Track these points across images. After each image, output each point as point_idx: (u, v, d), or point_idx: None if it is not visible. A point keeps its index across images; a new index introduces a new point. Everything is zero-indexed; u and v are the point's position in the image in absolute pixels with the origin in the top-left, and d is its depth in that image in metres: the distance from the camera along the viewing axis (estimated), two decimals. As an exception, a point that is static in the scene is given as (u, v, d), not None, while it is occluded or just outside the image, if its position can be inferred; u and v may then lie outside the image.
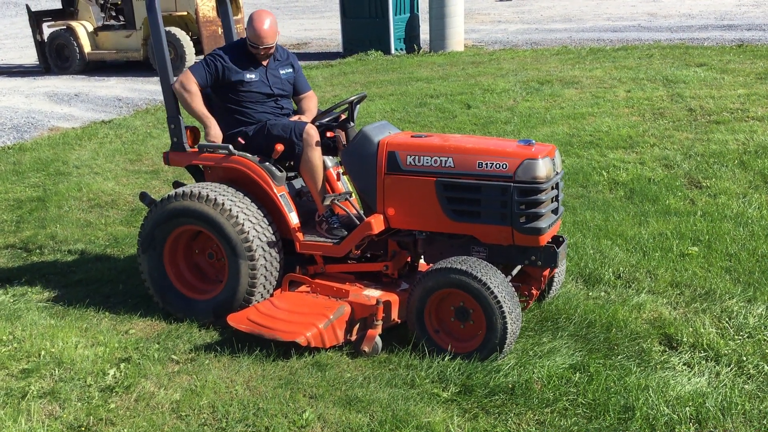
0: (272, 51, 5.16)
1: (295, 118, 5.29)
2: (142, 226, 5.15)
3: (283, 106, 5.30)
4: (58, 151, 9.95)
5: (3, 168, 9.33)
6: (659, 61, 12.11)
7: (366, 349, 4.50)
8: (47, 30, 17.00)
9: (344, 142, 5.02)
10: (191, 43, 15.42)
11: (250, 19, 5.05)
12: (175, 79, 5.15)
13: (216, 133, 5.10)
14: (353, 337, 4.64)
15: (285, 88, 5.30)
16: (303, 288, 4.98)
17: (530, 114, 9.69)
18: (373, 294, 4.75)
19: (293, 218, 4.99)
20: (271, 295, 4.97)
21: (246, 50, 5.15)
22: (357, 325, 4.68)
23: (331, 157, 5.40)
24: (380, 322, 4.55)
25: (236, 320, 4.65)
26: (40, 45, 16.91)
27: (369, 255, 5.12)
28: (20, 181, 8.78)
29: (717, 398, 3.85)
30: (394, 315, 4.68)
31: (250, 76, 5.09)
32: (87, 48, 16.50)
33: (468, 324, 4.42)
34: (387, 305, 4.63)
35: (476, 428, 3.77)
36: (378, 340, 4.54)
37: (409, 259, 5.12)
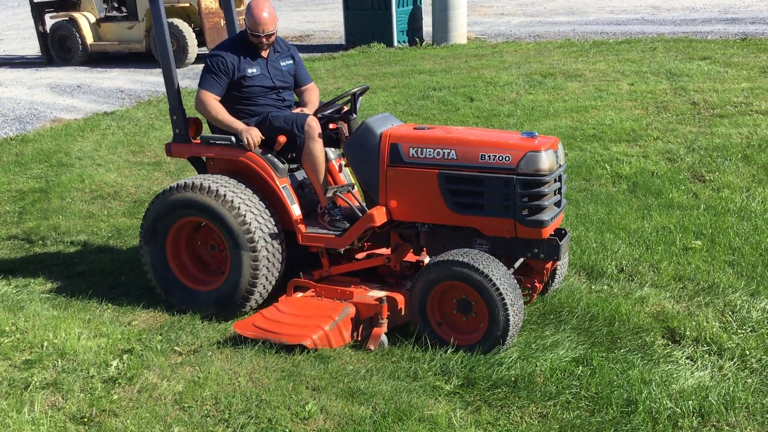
0: (273, 38, 5.13)
1: (297, 110, 5.27)
2: (145, 218, 5.15)
3: (285, 98, 5.29)
4: (61, 143, 9.94)
5: (6, 159, 9.33)
6: (663, 55, 12.06)
7: (372, 347, 4.51)
8: (50, 21, 16.96)
9: (347, 134, 5.01)
10: (194, 35, 15.38)
11: (249, 8, 5.00)
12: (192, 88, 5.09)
13: (248, 128, 4.96)
14: (360, 337, 4.65)
15: (286, 80, 5.28)
16: (308, 293, 4.98)
17: (533, 107, 9.67)
18: (377, 294, 4.75)
19: (295, 210, 4.98)
20: (276, 300, 4.97)
21: (244, 44, 5.11)
22: (362, 325, 4.69)
23: (333, 149, 5.39)
24: (385, 320, 4.56)
25: (242, 327, 4.66)
26: (42, 36, 16.88)
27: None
28: (23, 172, 8.78)
29: (720, 392, 3.84)
30: (401, 313, 4.69)
31: (251, 70, 5.07)
32: (89, 39, 16.46)
33: (470, 316, 4.42)
34: (392, 303, 4.64)
35: (479, 421, 3.77)
36: (384, 338, 4.54)
37: (415, 259, 5.12)
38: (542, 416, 3.80)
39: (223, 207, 4.80)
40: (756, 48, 12.04)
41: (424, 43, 16.07)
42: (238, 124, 5.00)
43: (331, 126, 5.14)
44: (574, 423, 3.71)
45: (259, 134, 4.98)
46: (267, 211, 4.93)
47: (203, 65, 5.06)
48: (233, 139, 5.02)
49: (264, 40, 5.06)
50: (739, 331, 4.51)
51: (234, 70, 5.00)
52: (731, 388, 3.88)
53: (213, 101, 4.98)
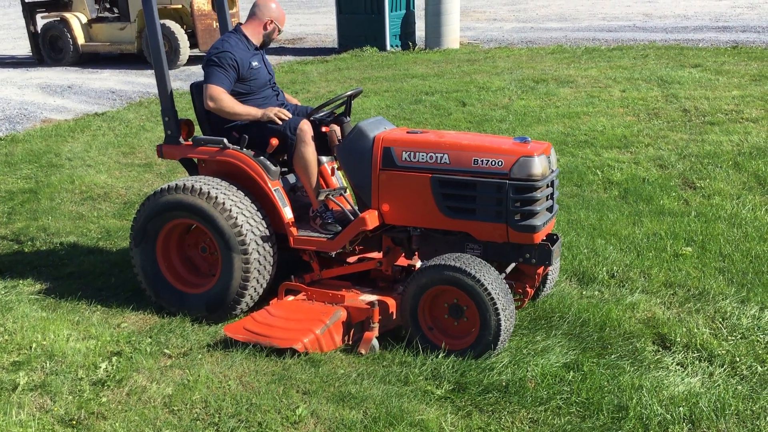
0: None
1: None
2: (135, 220, 5.12)
3: (279, 92, 5.31)
4: (51, 143, 9.89)
5: (-5, 159, 9.27)
6: (654, 62, 12.12)
7: (363, 351, 4.49)
8: (41, 21, 16.90)
9: (339, 137, 5.00)
10: (186, 37, 15.35)
11: (269, 3, 5.14)
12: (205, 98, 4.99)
13: (268, 108, 5.00)
14: (351, 341, 4.64)
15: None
16: (299, 296, 4.96)
17: (525, 112, 9.69)
18: (369, 298, 4.74)
19: (287, 213, 4.96)
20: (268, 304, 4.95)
21: (243, 38, 5.13)
22: (353, 329, 4.67)
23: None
24: (376, 325, 4.54)
25: (233, 330, 4.64)
26: (33, 36, 16.81)
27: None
28: (12, 172, 8.72)
29: (710, 399, 3.85)
30: (392, 317, 4.68)
31: (254, 63, 5.09)
32: (81, 40, 16.40)
33: (462, 321, 4.41)
34: (384, 307, 4.63)
35: (470, 426, 3.76)
36: (375, 342, 4.53)
37: (406, 263, 5.12)
38: (533, 421, 3.79)
39: (215, 209, 4.78)
40: (747, 56, 12.11)
41: (416, 47, 16.09)
42: (256, 111, 4.99)
43: (324, 129, 5.13)
44: (565, 428, 3.71)
45: (281, 109, 5.00)
46: (258, 213, 4.92)
47: (208, 61, 4.99)
48: (225, 141, 5.00)
49: (281, 34, 5.26)
50: (729, 337, 4.52)
51: (242, 64, 5.00)
52: (721, 395, 3.88)
53: (226, 95, 4.93)
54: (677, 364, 4.28)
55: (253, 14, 5.19)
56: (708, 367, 4.22)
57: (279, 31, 5.25)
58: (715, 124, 8.65)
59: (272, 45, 5.35)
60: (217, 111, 4.98)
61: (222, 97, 4.92)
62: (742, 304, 4.90)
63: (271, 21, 5.17)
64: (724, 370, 4.18)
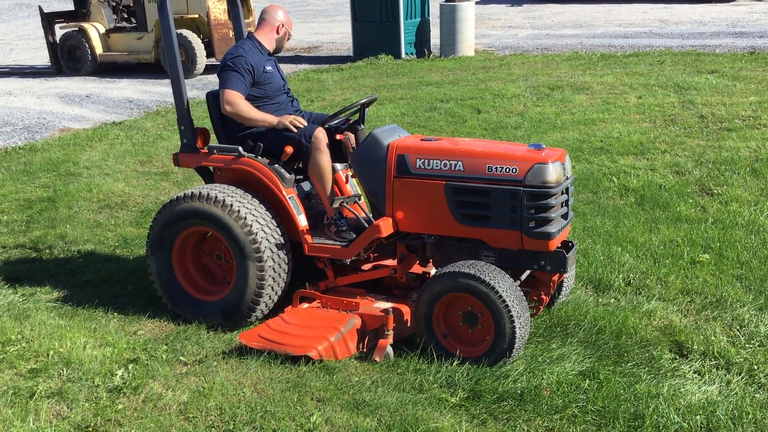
0: None
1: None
2: (151, 228, 5.16)
3: (293, 98, 5.36)
4: (69, 152, 9.98)
5: (14, 168, 9.37)
6: (670, 68, 12.06)
7: (377, 358, 4.49)
8: (59, 31, 17.06)
9: (353, 145, 5.02)
10: (202, 46, 15.45)
11: (278, 10, 5.28)
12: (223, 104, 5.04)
13: (284, 116, 5.05)
14: (365, 349, 4.64)
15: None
16: (314, 304, 4.97)
17: (540, 119, 9.66)
18: (383, 305, 4.75)
19: (302, 220, 4.98)
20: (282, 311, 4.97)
21: (255, 45, 5.19)
22: (368, 336, 4.67)
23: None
24: (391, 332, 4.54)
25: (248, 338, 4.66)
26: (52, 46, 16.97)
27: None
28: (31, 181, 8.81)
29: (728, 407, 3.81)
30: (407, 325, 4.68)
31: (268, 68, 5.14)
32: (99, 50, 16.54)
33: (476, 328, 4.40)
34: (398, 315, 4.63)
35: (484, 434, 3.75)
36: (389, 349, 4.53)
37: (421, 270, 5.12)
38: (548, 430, 3.78)
39: (230, 217, 4.81)
40: (764, 62, 12.02)
41: (431, 55, 16.10)
42: (272, 118, 5.04)
43: (338, 137, 5.15)
44: (581, 437, 3.68)
45: (296, 117, 5.06)
46: (273, 221, 4.94)
47: (223, 67, 5.06)
48: (241, 149, 5.03)
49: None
50: (747, 345, 4.48)
51: (256, 67, 5.05)
52: (739, 403, 3.85)
53: (242, 100, 4.99)
54: (694, 372, 4.25)
55: (263, 21, 5.27)
56: (725, 375, 4.19)
57: (289, 35, 5.38)
58: (733, 130, 8.59)
59: (288, 53, 5.40)
60: (233, 116, 5.02)
61: (239, 102, 4.96)
62: (760, 311, 4.86)
63: (282, 25, 5.28)
64: (742, 378, 4.15)
